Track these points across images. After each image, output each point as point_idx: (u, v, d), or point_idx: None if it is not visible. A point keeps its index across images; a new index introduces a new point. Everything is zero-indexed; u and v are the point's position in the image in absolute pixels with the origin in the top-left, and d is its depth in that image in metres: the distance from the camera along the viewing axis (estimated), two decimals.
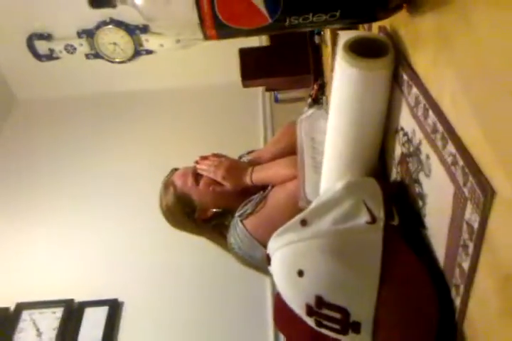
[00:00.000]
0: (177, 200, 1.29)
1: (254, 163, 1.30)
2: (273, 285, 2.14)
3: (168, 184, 1.31)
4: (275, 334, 2.03)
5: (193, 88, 3.19)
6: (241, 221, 1.21)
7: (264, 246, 1.17)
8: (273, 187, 1.22)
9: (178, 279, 2.27)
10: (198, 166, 1.30)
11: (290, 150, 1.20)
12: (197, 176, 1.29)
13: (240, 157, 1.40)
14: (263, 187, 1.25)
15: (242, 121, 3.01)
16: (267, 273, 1.25)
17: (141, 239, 2.40)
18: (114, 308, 2.18)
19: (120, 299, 2.23)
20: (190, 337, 2.10)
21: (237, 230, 1.21)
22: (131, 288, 2.26)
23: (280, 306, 0.71)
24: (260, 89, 3.03)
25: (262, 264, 1.19)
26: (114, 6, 0.55)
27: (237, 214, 1.23)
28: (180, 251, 2.27)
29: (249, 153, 1.42)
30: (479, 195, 0.40)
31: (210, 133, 2.84)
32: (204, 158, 1.32)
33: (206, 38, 0.54)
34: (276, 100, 1.87)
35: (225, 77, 2.96)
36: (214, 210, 1.30)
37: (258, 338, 2.09)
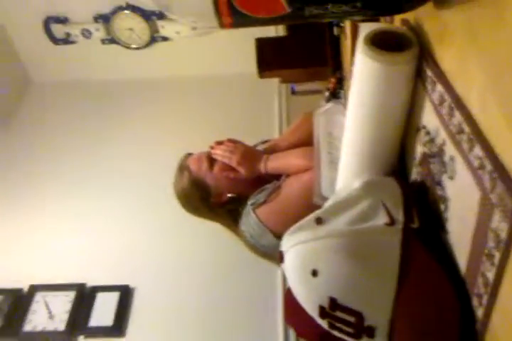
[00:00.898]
0: (192, 184, 1.28)
1: (270, 151, 1.29)
2: (284, 275, 2.13)
3: (182, 168, 1.30)
4: (284, 327, 2.03)
5: (209, 76, 3.16)
6: (253, 209, 1.20)
7: (276, 235, 1.17)
8: (287, 177, 1.21)
9: (190, 267, 2.27)
10: (212, 151, 1.28)
11: (306, 140, 1.19)
12: (211, 161, 1.28)
13: (255, 146, 1.38)
14: (277, 176, 1.24)
15: (258, 111, 2.97)
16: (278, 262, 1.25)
17: (155, 226, 2.40)
18: (125, 294, 2.19)
19: (131, 285, 2.24)
20: (200, 325, 2.11)
21: (249, 218, 1.21)
22: (143, 275, 2.27)
23: (291, 303, 0.69)
24: (277, 80, 2.99)
25: (273, 253, 1.19)
26: None
27: (249, 202, 1.22)
28: (193, 239, 2.27)
29: (264, 142, 1.40)
30: (508, 203, 0.37)
31: (225, 122, 2.82)
32: (219, 142, 1.30)
33: (221, 26, 0.52)
34: (293, 92, 1.84)
35: (241, 67, 2.93)
36: (229, 195, 1.29)
37: (268, 328, 2.09)
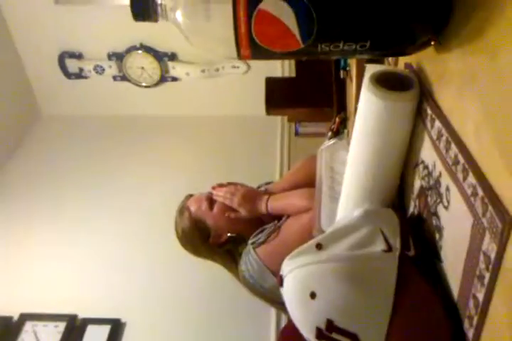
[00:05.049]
0: (192, 225, 1.31)
1: (271, 192, 1.32)
2: (277, 322, 2.12)
3: (183, 209, 1.34)
4: None
5: (214, 117, 3.26)
6: (253, 248, 1.22)
7: (275, 275, 1.17)
8: (288, 217, 1.23)
9: (184, 308, 2.25)
10: (214, 192, 1.32)
11: (307, 182, 1.22)
12: (211, 201, 1.31)
13: (259, 187, 1.41)
14: (278, 217, 1.26)
15: (260, 152, 3.04)
16: (274, 303, 1.25)
17: (153, 262, 2.41)
18: (116, 328, 2.16)
19: (123, 320, 2.21)
20: None
21: (249, 257, 1.22)
22: (136, 310, 2.25)
23: (287, 335, 0.70)
24: (279, 123, 3.08)
25: (270, 294, 1.19)
26: (155, 21, 0.58)
27: (249, 241, 1.24)
28: (189, 278, 2.27)
29: (267, 183, 1.44)
30: (497, 224, 0.40)
31: (227, 163, 2.88)
32: (220, 185, 1.34)
33: (240, 57, 0.57)
34: (297, 133, 1.91)
35: (245, 109, 3.03)
36: (228, 235, 1.31)
37: None
